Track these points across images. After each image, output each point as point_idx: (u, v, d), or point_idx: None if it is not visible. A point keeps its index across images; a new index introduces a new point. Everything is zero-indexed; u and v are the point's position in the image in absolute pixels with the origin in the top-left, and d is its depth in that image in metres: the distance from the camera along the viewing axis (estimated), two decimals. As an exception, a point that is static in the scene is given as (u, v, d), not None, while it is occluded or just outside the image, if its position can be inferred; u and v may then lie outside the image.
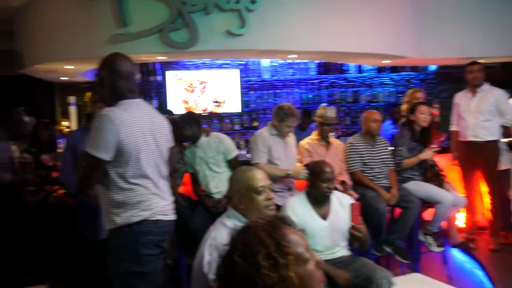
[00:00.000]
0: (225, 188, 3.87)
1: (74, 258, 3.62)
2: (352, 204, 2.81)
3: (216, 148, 3.91)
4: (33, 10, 5.14)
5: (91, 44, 4.46)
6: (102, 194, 2.28)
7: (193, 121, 3.93)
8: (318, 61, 7.18)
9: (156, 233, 2.29)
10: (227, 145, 3.93)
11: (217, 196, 3.88)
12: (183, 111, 6.65)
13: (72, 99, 6.80)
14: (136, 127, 2.21)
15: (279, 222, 1.22)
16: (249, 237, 1.18)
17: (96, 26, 4.44)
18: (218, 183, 3.89)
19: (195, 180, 4.03)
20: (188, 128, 3.88)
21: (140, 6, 4.29)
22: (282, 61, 7.21)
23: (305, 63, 7.26)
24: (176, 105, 6.72)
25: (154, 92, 7.05)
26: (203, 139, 3.94)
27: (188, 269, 3.73)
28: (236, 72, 7.04)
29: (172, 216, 2.41)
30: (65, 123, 6.74)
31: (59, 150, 4.80)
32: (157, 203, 2.30)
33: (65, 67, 5.37)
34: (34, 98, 7.25)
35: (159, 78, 6.97)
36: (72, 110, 6.78)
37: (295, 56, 5.63)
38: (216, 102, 7.00)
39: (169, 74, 6.93)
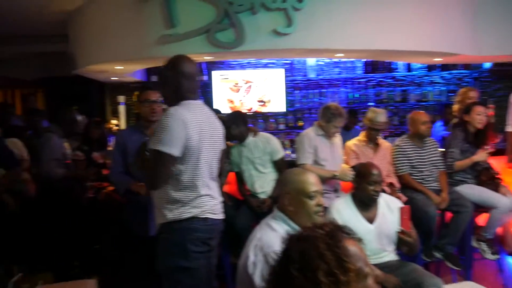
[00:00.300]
0: (270, 188, 3.88)
1: (124, 254, 3.71)
2: (402, 208, 2.72)
3: (263, 148, 3.90)
4: (86, 13, 5.34)
5: (140, 45, 4.57)
6: (159, 189, 2.33)
7: (240, 120, 3.94)
8: (365, 60, 7.03)
9: (204, 230, 2.34)
10: (274, 145, 3.91)
11: (262, 196, 3.87)
12: (229, 111, 6.76)
13: (121, 98, 7.01)
14: (198, 127, 2.28)
15: (339, 232, 1.18)
16: (307, 249, 1.13)
17: (145, 28, 4.54)
18: (263, 183, 3.88)
19: (240, 179, 4.03)
20: (235, 127, 3.89)
21: (187, 7, 4.35)
22: (328, 60, 7.11)
23: (351, 61, 7.14)
24: (222, 105, 6.78)
25: (200, 92, 7.14)
26: (250, 139, 3.94)
27: (232, 268, 3.75)
28: (281, 72, 7.01)
29: (221, 215, 2.46)
30: (114, 122, 6.95)
31: (109, 148, 4.96)
32: (208, 201, 2.36)
33: (115, 67, 5.53)
34: (87, 98, 7.52)
35: (205, 77, 7.06)
36: (121, 109, 6.99)
37: (342, 55, 5.54)
38: (261, 101, 7.00)
39: (215, 74, 7.00)
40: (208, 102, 6.98)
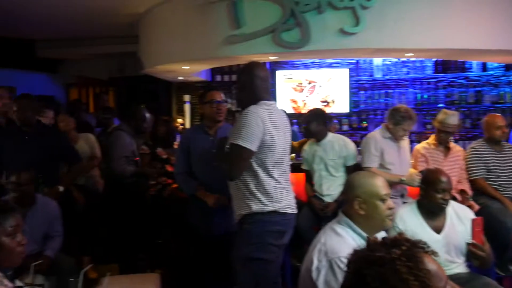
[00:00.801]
0: (337, 192, 3.81)
1: (187, 250, 3.78)
2: (474, 220, 2.55)
3: (339, 151, 3.82)
4: (155, 15, 5.51)
5: (207, 46, 4.65)
6: (240, 182, 2.50)
7: (321, 118, 3.89)
8: (436, 59, 6.72)
9: (282, 224, 2.48)
10: (350, 150, 3.83)
11: (327, 199, 3.80)
12: (292, 111, 6.73)
13: (186, 97, 7.19)
14: (274, 125, 2.45)
15: (416, 251, 1.12)
16: (388, 275, 1.07)
17: (212, 29, 4.61)
18: (331, 186, 3.81)
19: (309, 178, 3.97)
20: (315, 124, 3.84)
21: (253, 7, 4.37)
22: (396, 59, 6.86)
23: (421, 61, 6.84)
24: (284, 105, 6.75)
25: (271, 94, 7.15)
26: (327, 139, 3.88)
27: (292, 269, 3.72)
28: (346, 71, 6.86)
29: (295, 210, 2.59)
30: (180, 120, 7.14)
31: (175, 146, 5.09)
32: (286, 196, 2.51)
33: (182, 67, 5.68)
34: (155, 96, 7.79)
35: (269, 77, 7.05)
36: (186, 108, 7.16)
37: (412, 54, 5.32)
38: (325, 102, 6.89)
39: (279, 74, 6.98)
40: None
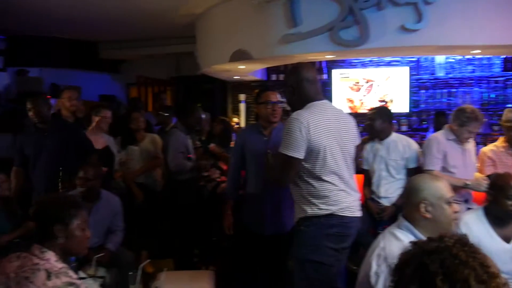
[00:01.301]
0: (395, 196, 3.68)
1: (240, 248, 3.80)
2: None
3: (402, 152, 3.69)
4: (212, 15, 5.59)
5: (263, 45, 4.65)
6: (294, 187, 2.48)
7: (386, 115, 3.78)
8: (505, 56, 6.33)
9: (341, 227, 2.40)
10: (414, 152, 3.68)
11: (384, 202, 3.68)
12: (348, 111, 6.58)
13: (242, 97, 7.23)
14: (323, 127, 2.36)
15: (467, 239, 1.19)
16: (448, 259, 1.12)
17: (268, 28, 4.60)
18: (390, 188, 3.68)
19: (367, 178, 3.85)
20: (380, 122, 3.74)
21: (311, 5, 4.32)
22: (460, 57, 6.54)
23: (488, 58, 6.47)
24: (341, 104, 6.62)
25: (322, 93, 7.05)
26: (390, 138, 3.76)
27: (346, 272, 3.63)
28: (406, 70, 6.63)
29: (358, 213, 2.49)
30: (235, 119, 7.20)
31: (232, 145, 5.13)
32: (344, 198, 2.41)
33: (238, 67, 5.71)
34: (211, 96, 7.90)
35: (324, 76, 6.96)
36: (242, 107, 7.21)
37: (479, 51, 5.04)
38: (383, 101, 6.69)
39: (335, 73, 6.86)
40: (327, 101, 6.86)
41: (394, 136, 3.78)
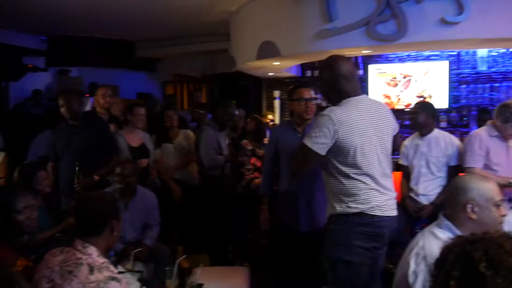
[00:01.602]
0: (434, 194, 3.59)
1: (275, 245, 3.80)
2: None
3: (444, 148, 3.59)
4: (246, 12, 5.58)
5: (298, 41, 4.61)
6: (326, 182, 2.45)
7: (430, 110, 3.70)
8: (552, 49, 6.04)
9: (371, 226, 2.32)
10: (456, 150, 3.58)
11: (423, 200, 3.58)
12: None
13: (276, 93, 7.20)
14: (356, 125, 2.28)
15: (511, 235, 1.20)
16: (492, 248, 1.13)
17: (303, 23, 4.56)
18: (429, 186, 3.59)
19: (406, 174, 3.75)
20: (424, 115, 3.65)
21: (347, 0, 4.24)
22: (504, 50, 6.28)
23: (534, 51, 6.19)
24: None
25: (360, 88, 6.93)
26: (433, 134, 3.67)
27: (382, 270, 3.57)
28: (445, 64, 6.42)
29: (391, 212, 2.40)
30: (269, 116, 7.18)
31: (265, 142, 5.13)
32: (376, 197, 2.32)
33: (273, 63, 5.69)
34: (246, 93, 7.92)
35: (360, 72, 6.84)
36: (276, 104, 7.18)
37: (524, 43, 4.84)
38: (421, 97, 6.51)
39: (371, 68, 6.73)
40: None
41: (436, 132, 3.68)
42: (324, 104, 5.52)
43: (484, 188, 1.90)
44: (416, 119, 3.64)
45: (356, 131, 2.27)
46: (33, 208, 2.32)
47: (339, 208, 2.34)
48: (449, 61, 6.42)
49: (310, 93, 3.24)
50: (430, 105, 3.79)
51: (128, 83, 8.40)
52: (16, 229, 2.24)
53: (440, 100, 6.45)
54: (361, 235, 2.31)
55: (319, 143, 2.27)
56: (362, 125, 2.29)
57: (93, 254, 1.91)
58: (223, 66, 7.70)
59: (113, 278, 1.85)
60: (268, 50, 5.05)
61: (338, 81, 2.36)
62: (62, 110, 3.84)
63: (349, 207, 2.31)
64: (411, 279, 1.85)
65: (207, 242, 4.44)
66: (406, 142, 3.78)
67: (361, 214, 2.30)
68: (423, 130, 3.65)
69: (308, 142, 2.31)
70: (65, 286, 1.81)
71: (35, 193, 3.11)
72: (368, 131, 2.31)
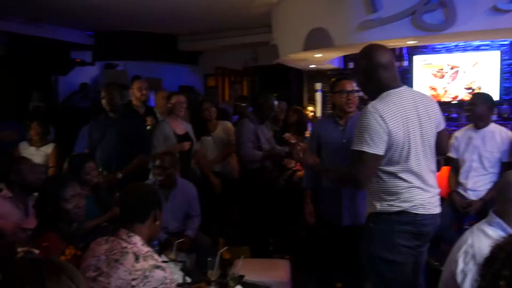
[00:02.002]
0: (484, 190, 3.47)
1: (316, 237, 3.79)
2: None
3: (500, 144, 3.45)
4: (288, 3, 5.53)
5: (341, 32, 4.53)
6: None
7: (489, 102, 3.57)
8: None
9: (414, 225, 2.22)
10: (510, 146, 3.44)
11: (471, 195, 3.46)
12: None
13: (318, 86, 7.13)
14: (401, 119, 2.16)
15: None
16: None
17: (346, 14, 4.47)
18: (479, 181, 3.46)
19: (455, 168, 3.63)
20: (483, 107, 3.53)
21: (392, -12, 4.12)
22: (561, 39, 5.94)
23: None
24: (423, 92, 6.29)
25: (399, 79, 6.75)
26: (489, 128, 3.55)
27: (427, 268, 3.47)
28: (496, 54, 6.14)
29: (435, 209, 2.30)
30: (310, 109, 7.13)
31: (307, 135, 5.09)
32: (419, 195, 2.22)
33: (314, 55, 5.63)
34: (287, 85, 7.88)
35: (405, 63, 6.65)
36: (318, 96, 7.11)
37: None
38: (469, 88, 6.26)
39: (416, 59, 6.53)
40: (408, 89, 6.55)
41: (493, 126, 3.53)
42: (366, 96, 5.42)
43: None
44: (474, 111, 3.50)
45: (402, 125, 2.15)
46: (81, 197, 2.38)
47: (380, 206, 2.24)
48: (501, 51, 6.13)
49: (352, 85, 3.19)
50: (489, 97, 3.65)
51: (170, 76, 8.55)
52: (64, 217, 2.29)
53: (490, 92, 6.17)
54: (404, 234, 2.22)
55: (375, 144, 2.12)
56: (407, 119, 2.17)
57: (138, 243, 1.96)
58: (265, 59, 7.70)
59: (158, 267, 1.90)
60: (314, 41, 4.99)
61: (376, 71, 2.24)
62: (103, 101, 3.94)
63: (390, 205, 2.22)
64: (459, 278, 1.80)
65: (248, 234, 4.46)
66: (458, 134, 3.65)
67: (403, 213, 2.21)
68: (480, 123, 3.50)
69: (361, 147, 2.15)
70: (112, 274, 1.87)
71: (83, 183, 3.23)
72: (414, 124, 2.19)
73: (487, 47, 6.28)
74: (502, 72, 6.13)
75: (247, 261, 3.11)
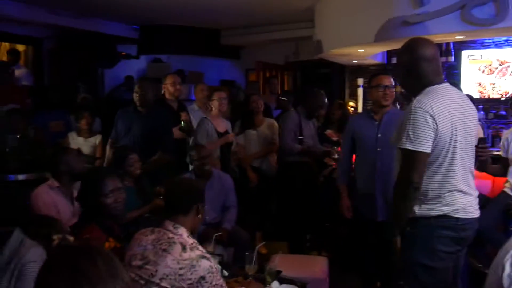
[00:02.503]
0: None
1: (353, 233, 3.75)
2: None
3: None
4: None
5: (386, 27, 4.42)
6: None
7: None
8: None
9: (455, 229, 2.13)
10: None
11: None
12: (477, 96, 6.02)
13: (360, 81, 7.00)
14: (448, 116, 2.07)
15: None
16: None
17: (391, 8, 4.36)
18: None
19: (504, 167, 3.50)
20: None
21: (440, -18, 3.98)
22: None
23: None
24: (470, 89, 6.07)
25: (445, 74, 6.54)
26: None
27: (470, 270, 3.37)
28: (549, 50, 5.83)
29: (475, 213, 2.20)
30: (351, 104, 7.02)
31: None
32: (460, 199, 2.13)
33: (358, 50, 5.53)
34: (328, 80, 7.79)
35: (451, 58, 6.42)
36: (359, 92, 6.99)
37: None
38: (520, 85, 5.99)
39: (464, 54, 6.29)
40: (455, 85, 6.32)
41: None
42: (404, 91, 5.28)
43: None
44: None
45: (449, 121, 2.06)
46: (120, 191, 2.40)
47: (419, 210, 2.15)
48: (555, 46, 5.83)
49: (390, 80, 3.18)
50: None
51: (212, 71, 8.63)
52: (104, 211, 2.33)
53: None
54: (444, 239, 2.13)
55: (422, 141, 2.03)
56: (453, 117, 2.08)
57: (184, 234, 2.02)
58: (306, 53, 7.63)
59: (204, 257, 1.95)
60: (357, 36, 4.90)
61: (419, 65, 2.15)
62: (135, 96, 3.96)
63: (432, 209, 2.12)
64: (505, 283, 1.71)
65: (285, 229, 4.47)
66: (507, 133, 3.50)
67: (444, 217, 2.12)
68: None
69: (410, 145, 2.05)
70: (159, 262, 1.92)
71: (126, 175, 3.33)
72: (458, 123, 2.10)
73: (540, 42, 5.99)
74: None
75: (283, 256, 3.12)
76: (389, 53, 6.73)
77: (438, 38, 4.79)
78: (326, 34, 5.80)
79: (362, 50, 5.56)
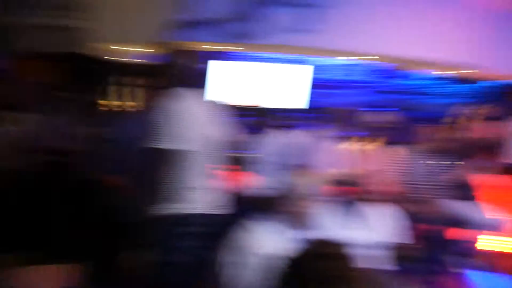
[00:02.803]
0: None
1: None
2: None
3: None
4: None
5: (145, 30, 4.25)
6: None
7: None
8: None
9: (194, 225, 2.28)
10: None
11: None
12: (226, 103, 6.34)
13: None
14: (187, 118, 2.24)
15: None
16: None
17: (156, 13, 4.24)
18: None
19: None
20: None
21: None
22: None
23: None
24: (219, 96, 6.36)
25: (199, 81, 6.70)
26: None
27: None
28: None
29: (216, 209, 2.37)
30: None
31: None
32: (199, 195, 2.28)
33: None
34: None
35: (206, 66, 6.64)
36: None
37: None
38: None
39: (217, 64, 6.58)
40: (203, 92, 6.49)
41: None
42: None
43: None
44: None
45: (188, 123, 2.24)
46: None
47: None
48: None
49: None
50: None
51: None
52: None
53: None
54: (181, 235, 2.26)
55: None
56: (193, 118, 2.29)
57: None
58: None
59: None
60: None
61: (177, 69, 2.38)
62: None
63: (169, 205, 2.25)
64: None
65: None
66: None
67: (182, 213, 2.26)
68: None
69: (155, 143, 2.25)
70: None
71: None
72: (197, 125, 2.30)
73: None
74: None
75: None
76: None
77: (196, 46, 4.90)
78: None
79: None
